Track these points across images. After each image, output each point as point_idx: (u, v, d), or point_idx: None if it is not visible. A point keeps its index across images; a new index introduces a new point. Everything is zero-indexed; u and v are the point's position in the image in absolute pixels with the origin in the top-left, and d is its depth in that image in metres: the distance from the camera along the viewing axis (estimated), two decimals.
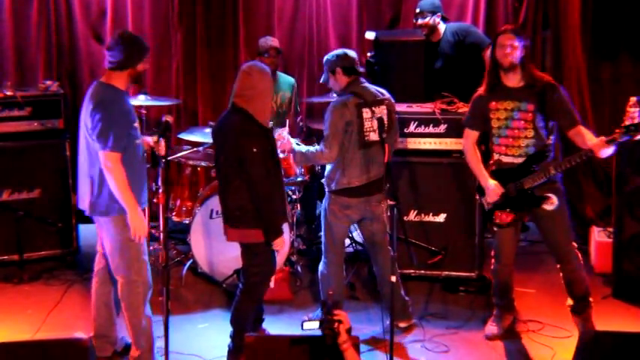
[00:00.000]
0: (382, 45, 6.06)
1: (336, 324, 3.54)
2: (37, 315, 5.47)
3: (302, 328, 3.60)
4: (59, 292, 5.82)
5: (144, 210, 4.65)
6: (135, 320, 4.68)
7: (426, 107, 5.78)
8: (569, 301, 5.11)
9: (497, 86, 4.92)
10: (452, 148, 5.75)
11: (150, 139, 4.71)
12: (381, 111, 5.02)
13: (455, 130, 5.69)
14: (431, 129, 5.76)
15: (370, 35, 6.34)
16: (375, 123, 4.92)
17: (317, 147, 5.00)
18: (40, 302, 5.66)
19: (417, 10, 6.39)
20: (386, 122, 4.93)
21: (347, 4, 7.29)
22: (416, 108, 5.84)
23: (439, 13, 6.35)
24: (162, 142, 4.54)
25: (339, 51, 5.12)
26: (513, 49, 4.79)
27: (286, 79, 6.56)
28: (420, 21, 6.36)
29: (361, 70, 5.11)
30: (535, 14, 6.97)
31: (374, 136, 4.96)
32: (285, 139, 5.02)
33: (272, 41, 6.34)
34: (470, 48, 6.30)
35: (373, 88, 5.10)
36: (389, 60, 6.14)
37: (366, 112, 4.97)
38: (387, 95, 5.14)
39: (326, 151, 4.92)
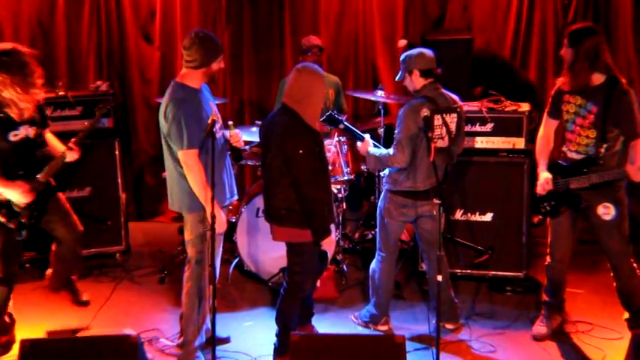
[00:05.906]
0: (429, 43, 6.01)
1: None
2: (87, 311, 5.56)
3: None
4: (109, 289, 5.91)
5: (227, 206, 4.72)
6: (187, 309, 4.79)
7: (473, 106, 5.73)
8: (626, 315, 5.00)
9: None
10: (499, 147, 5.70)
11: (227, 133, 4.75)
12: (452, 119, 4.97)
13: (502, 128, 5.64)
14: (477, 127, 5.71)
15: (403, 43, 6.40)
16: (444, 130, 4.90)
17: (389, 150, 4.92)
18: (90, 299, 5.73)
19: None
20: (454, 131, 4.93)
21: (393, 3, 7.26)
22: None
23: None
24: (237, 132, 4.67)
25: (418, 50, 4.99)
26: None
27: (330, 78, 6.56)
28: None
29: (439, 71, 4.98)
30: (585, 10, 6.85)
31: (441, 143, 4.92)
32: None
33: (314, 39, 6.37)
34: None
35: (448, 94, 5.01)
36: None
37: (437, 119, 4.90)
38: (460, 102, 5.07)
39: (399, 155, 4.85)
